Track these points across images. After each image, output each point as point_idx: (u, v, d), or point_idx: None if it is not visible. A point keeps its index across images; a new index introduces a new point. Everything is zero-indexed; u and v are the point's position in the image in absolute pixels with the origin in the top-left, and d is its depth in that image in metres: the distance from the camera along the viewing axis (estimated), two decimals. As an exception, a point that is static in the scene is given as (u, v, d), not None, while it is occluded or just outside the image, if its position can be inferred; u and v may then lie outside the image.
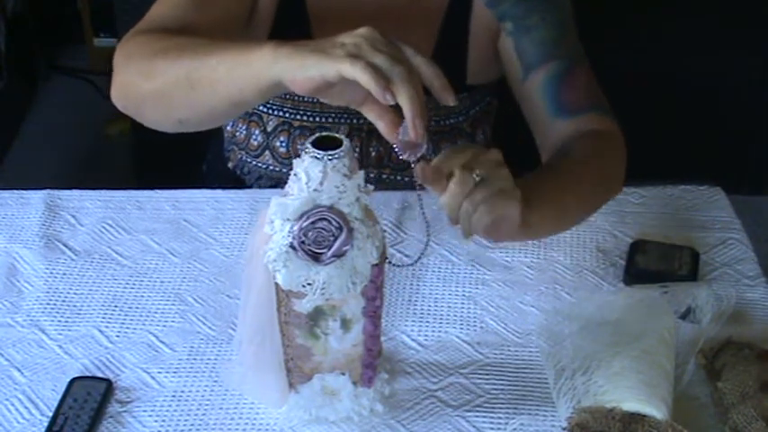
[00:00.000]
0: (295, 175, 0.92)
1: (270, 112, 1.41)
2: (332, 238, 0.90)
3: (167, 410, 1.04)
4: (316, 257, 0.91)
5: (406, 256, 1.26)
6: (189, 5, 1.23)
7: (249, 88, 1.02)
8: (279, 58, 0.98)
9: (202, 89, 1.06)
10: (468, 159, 0.97)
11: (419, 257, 1.23)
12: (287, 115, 1.41)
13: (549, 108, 1.28)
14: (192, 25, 1.20)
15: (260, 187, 1.46)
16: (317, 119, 1.40)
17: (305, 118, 1.40)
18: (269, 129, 1.42)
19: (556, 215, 1.12)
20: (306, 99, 1.38)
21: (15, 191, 1.38)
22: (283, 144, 1.42)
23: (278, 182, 1.43)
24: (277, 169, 1.43)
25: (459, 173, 0.96)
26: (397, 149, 0.97)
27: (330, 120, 1.39)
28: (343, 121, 1.39)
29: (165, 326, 1.16)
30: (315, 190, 0.90)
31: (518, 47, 1.30)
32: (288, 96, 1.39)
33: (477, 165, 0.97)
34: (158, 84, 1.12)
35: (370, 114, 1.00)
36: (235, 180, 1.49)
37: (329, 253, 0.91)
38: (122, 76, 1.18)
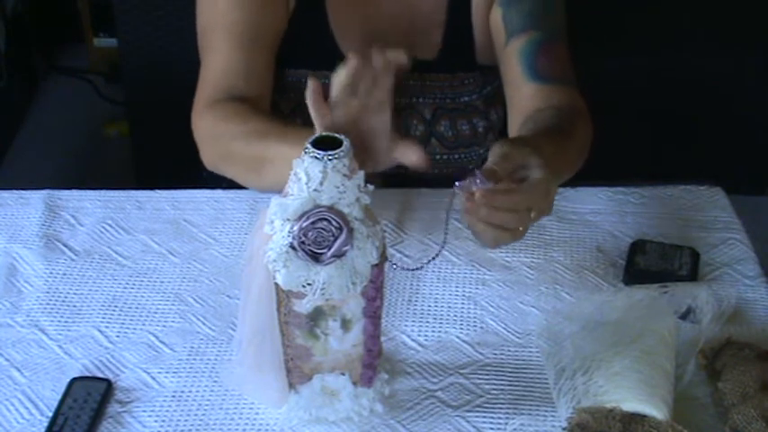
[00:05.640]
0: (295, 174, 0.92)
1: (286, 96, 1.43)
2: (332, 239, 0.90)
3: (167, 410, 1.04)
4: (316, 257, 0.91)
5: (407, 256, 1.26)
6: (239, 55, 1.36)
7: None
8: None
9: (269, 177, 1.21)
10: (536, 202, 1.05)
11: (430, 260, 1.23)
12: (304, 98, 1.42)
13: (523, 71, 1.36)
14: (247, 70, 1.36)
15: None
16: None
17: None
18: (286, 112, 1.43)
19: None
20: (322, 81, 1.40)
21: (15, 191, 1.38)
22: (302, 126, 1.42)
23: None
24: None
25: (523, 214, 1.04)
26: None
27: None
28: None
29: (165, 326, 1.16)
30: (315, 190, 0.90)
31: (505, 16, 1.38)
32: (304, 80, 1.41)
33: (536, 207, 1.05)
34: (234, 168, 1.31)
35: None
36: None
37: (329, 253, 0.91)
38: (208, 156, 1.34)
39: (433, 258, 1.19)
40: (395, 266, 1.20)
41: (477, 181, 1.00)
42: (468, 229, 1.05)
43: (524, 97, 1.35)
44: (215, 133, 1.32)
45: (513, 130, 1.36)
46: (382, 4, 1.42)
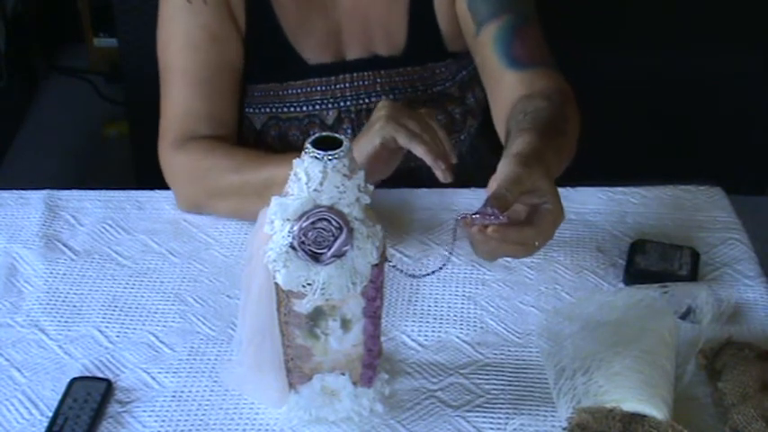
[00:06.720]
0: (295, 175, 0.92)
1: (257, 110, 1.42)
2: (332, 238, 0.90)
3: (167, 410, 1.04)
4: (316, 257, 0.91)
5: (407, 256, 1.26)
6: (197, 99, 1.35)
7: None
8: None
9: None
10: (544, 233, 1.03)
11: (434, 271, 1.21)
12: (274, 110, 1.41)
13: (500, 60, 1.31)
14: (208, 115, 1.35)
15: None
16: (305, 108, 1.40)
17: (292, 109, 1.40)
18: (258, 127, 1.43)
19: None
20: (290, 92, 1.39)
21: (15, 191, 1.38)
22: (275, 139, 1.42)
23: None
24: None
25: (530, 245, 1.02)
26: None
27: (317, 107, 1.41)
28: (330, 106, 1.41)
29: (165, 326, 1.16)
30: (315, 190, 0.90)
31: (471, 4, 1.34)
32: (272, 93, 1.40)
33: (542, 237, 1.02)
34: (227, 202, 1.30)
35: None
36: None
37: (329, 253, 0.91)
38: (189, 195, 1.33)
39: (439, 269, 1.15)
40: (399, 271, 1.20)
41: (492, 217, 0.98)
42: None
43: (506, 87, 1.29)
44: (197, 171, 1.31)
45: (500, 122, 1.30)
46: (336, 4, 1.39)
